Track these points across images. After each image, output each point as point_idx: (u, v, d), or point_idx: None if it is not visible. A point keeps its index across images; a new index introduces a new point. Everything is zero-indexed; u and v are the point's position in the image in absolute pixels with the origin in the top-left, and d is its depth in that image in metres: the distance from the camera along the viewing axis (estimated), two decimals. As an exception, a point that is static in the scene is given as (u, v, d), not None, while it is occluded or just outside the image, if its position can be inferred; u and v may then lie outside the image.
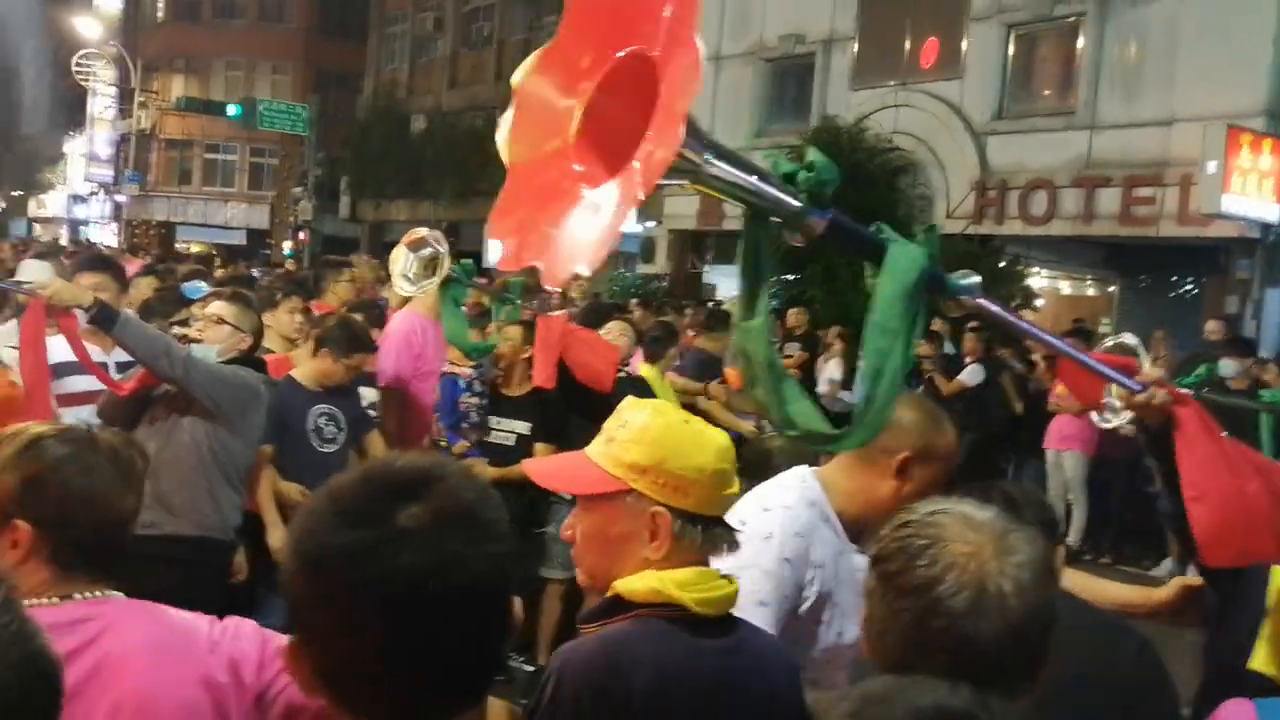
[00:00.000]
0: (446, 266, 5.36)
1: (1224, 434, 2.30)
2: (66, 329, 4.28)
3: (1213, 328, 10.93)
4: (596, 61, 1.77)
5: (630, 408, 2.00)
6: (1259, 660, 2.64)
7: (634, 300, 18.01)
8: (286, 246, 34.57)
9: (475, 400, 6.12)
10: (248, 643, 1.85)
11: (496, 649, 1.28)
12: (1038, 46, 16.67)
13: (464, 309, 5.73)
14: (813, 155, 1.80)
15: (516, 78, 1.82)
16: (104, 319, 4.02)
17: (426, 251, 5.40)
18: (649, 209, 22.52)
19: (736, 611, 2.00)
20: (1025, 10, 16.34)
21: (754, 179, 1.78)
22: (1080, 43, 15.73)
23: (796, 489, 2.59)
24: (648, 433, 1.93)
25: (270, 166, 40.78)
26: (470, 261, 5.71)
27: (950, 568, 1.35)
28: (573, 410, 5.49)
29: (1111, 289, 17.55)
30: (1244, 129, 13.09)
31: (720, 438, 1.96)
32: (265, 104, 34.44)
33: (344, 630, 1.20)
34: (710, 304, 16.50)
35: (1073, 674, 1.73)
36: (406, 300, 5.74)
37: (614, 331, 6.98)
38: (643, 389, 6.54)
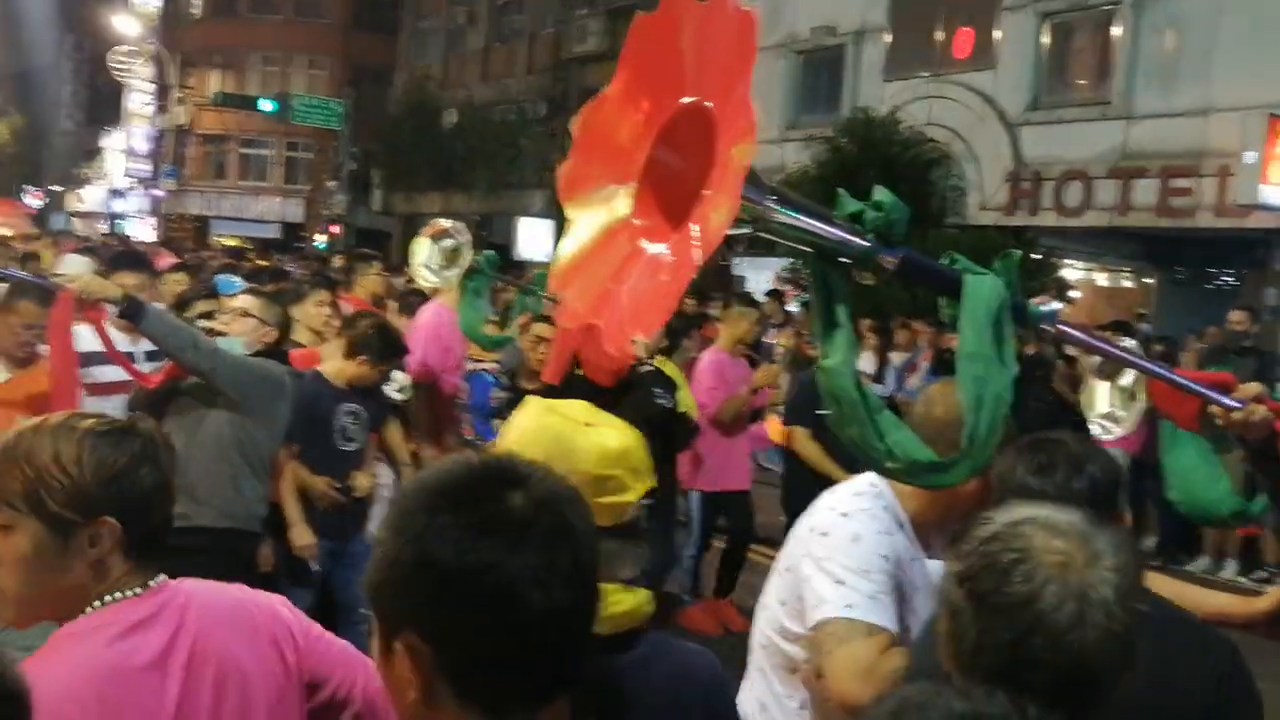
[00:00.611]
0: (468, 258, 5.35)
1: None
2: (94, 321, 4.33)
3: (1237, 318, 10.73)
4: (655, 110, 1.76)
5: (521, 408, 1.89)
6: None
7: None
8: (320, 240, 34.77)
9: (506, 395, 6.11)
10: (282, 624, 1.93)
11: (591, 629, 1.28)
12: (1072, 36, 16.48)
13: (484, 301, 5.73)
14: (880, 195, 1.78)
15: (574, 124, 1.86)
16: (132, 313, 4.06)
17: (449, 243, 5.41)
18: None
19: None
20: (1059, -1, 16.17)
21: (818, 223, 1.77)
22: (1116, 31, 15.54)
23: (869, 494, 2.56)
24: (525, 435, 1.82)
25: (305, 160, 41.01)
26: (494, 253, 5.70)
27: (1048, 581, 1.32)
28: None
29: (1149, 281, 17.34)
30: (1283, 118, 12.88)
31: (610, 441, 1.79)
32: (300, 99, 34.64)
33: (472, 624, 1.18)
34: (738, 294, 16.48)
35: (1149, 682, 1.71)
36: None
37: (639, 326, 6.99)
38: (664, 382, 6.54)
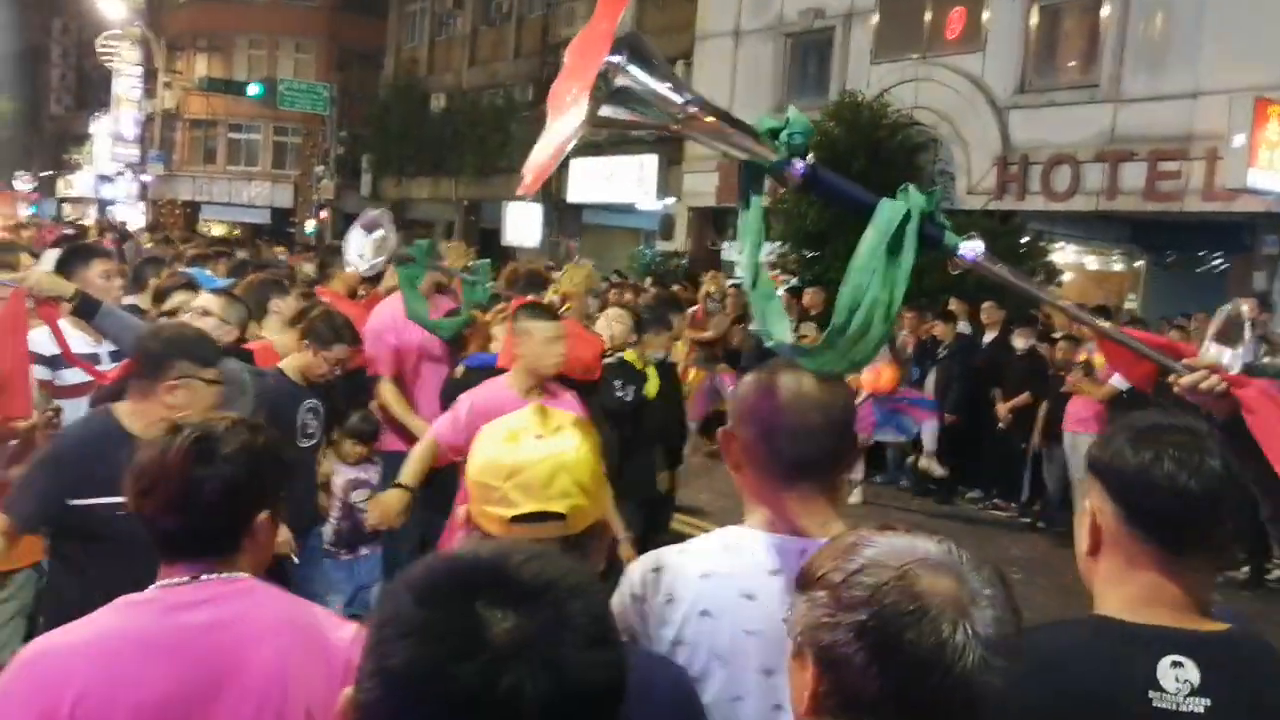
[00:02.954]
0: (390, 247, 5.35)
1: None
2: (47, 318, 4.25)
3: (1247, 307, 10.69)
4: (610, 20, 1.92)
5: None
6: None
7: (649, 279, 18.02)
8: (310, 225, 34.68)
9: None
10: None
11: None
12: (1061, 18, 16.38)
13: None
14: (790, 112, 1.97)
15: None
16: (85, 309, 4.07)
17: (378, 233, 5.39)
18: (669, 185, 22.43)
19: None
20: (1049, -19, 16.08)
21: (734, 130, 1.96)
22: (1104, 14, 15.44)
23: None
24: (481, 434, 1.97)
25: (294, 145, 40.83)
26: (427, 242, 5.67)
27: (954, 627, 1.27)
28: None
29: (1138, 265, 17.32)
30: (1272, 101, 12.81)
31: (502, 450, 1.86)
32: (286, 83, 34.54)
33: None
34: (732, 281, 16.43)
35: None
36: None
37: (609, 316, 6.93)
38: (626, 374, 6.51)
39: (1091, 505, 1.89)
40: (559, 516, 1.81)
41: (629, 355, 6.61)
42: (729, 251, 21.91)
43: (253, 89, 34.44)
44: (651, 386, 6.72)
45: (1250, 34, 13.31)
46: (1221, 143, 13.12)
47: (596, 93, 1.80)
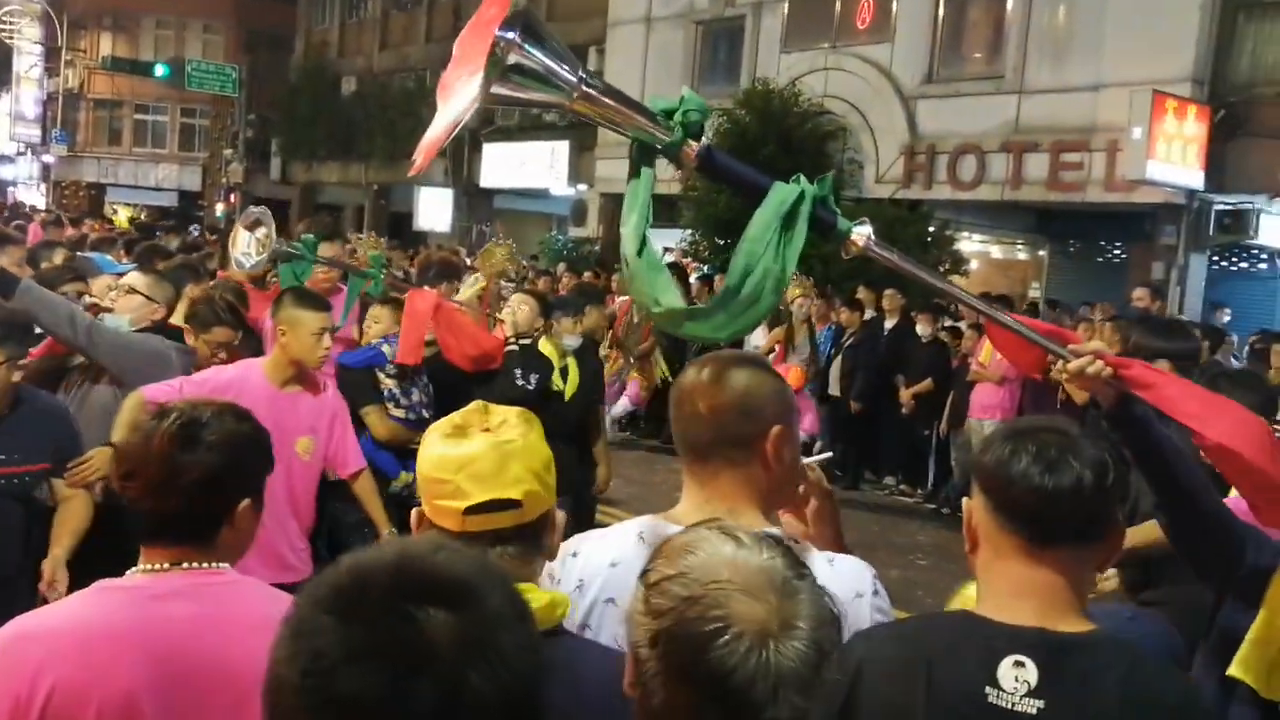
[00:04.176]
0: (270, 244, 5.23)
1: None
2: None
3: (1139, 294, 10.92)
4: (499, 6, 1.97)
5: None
6: (1238, 666, 2.57)
7: (561, 265, 17.93)
8: (219, 209, 34.09)
9: (393, 381, 5.82)
10: None
11: None
12: (967, 10, 16.56)
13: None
14: (684, 91, 2.06)
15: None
16: (3, 287, 4.03)
17: (262, 231, 5.26)
18: (581, 172, 22.31)
19: None
20: (956, -28, 16.23)
21: (629, 110, 2.02)
22: (1010, 6, 15.66)
23: None
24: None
25: (202, 127, 40.00)
26: (311, 237, 5.51)
27: (748, 654, 1.24)
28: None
29: (1041, 253, 17.60)
30: (1169, 95, 13.08)
31: (450, 445, 1.86)
32: (194, 64, 33.88)
33: None
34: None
35: None
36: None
37: (513, 303, 6.80)
38: (531, 363, 6.41)
39: (969, 503, 1.93)
40: (514, 504, 1.82)
41: (545, 347, 6.51)
42: (643, 239, 21.90)
43: (159, 70, 33.82)
44: (571, 383, 6.62)
45: (1150, 29, 13.57)
46: (1122, 135, 13.36)
47: (489, 70, 1.81)
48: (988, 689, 1.76)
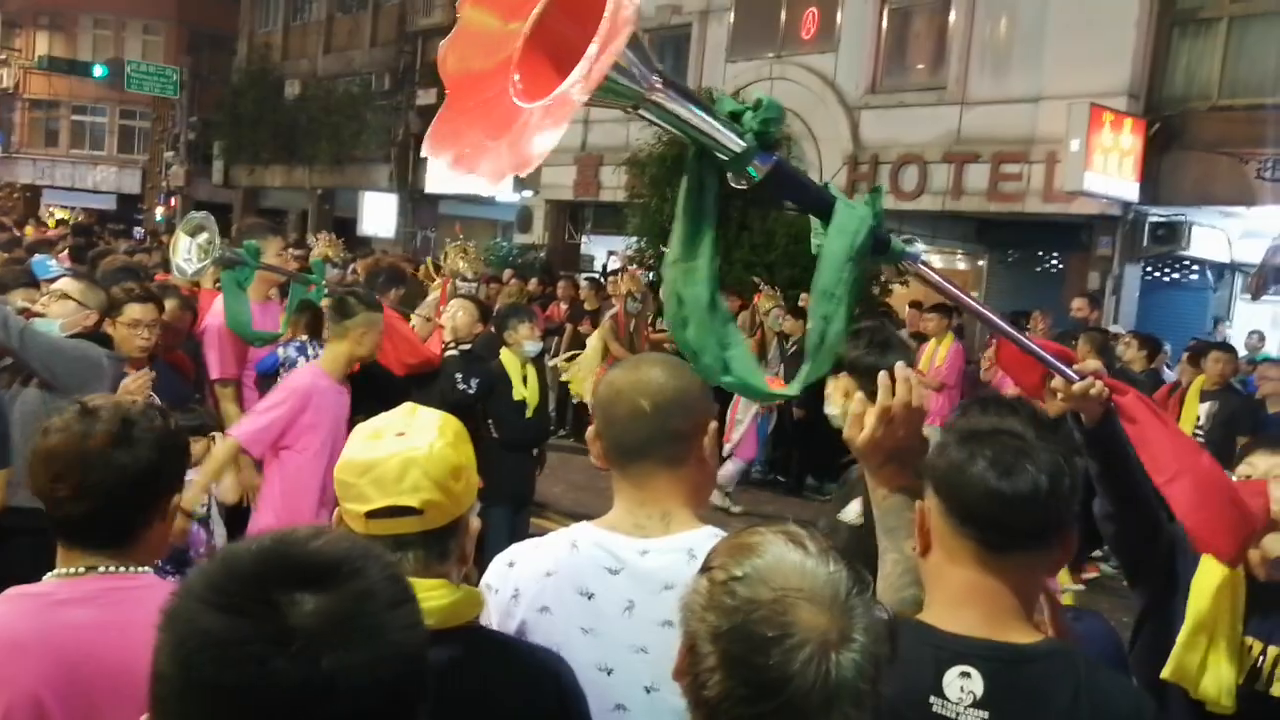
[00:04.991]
0: (215, 250, 5.17)
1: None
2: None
3: (1079, 304, 11.10)
4: None
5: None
6: (1170, 669, 2.65)
7: (508, 271, 17.88)
8: (159, 212, 33.62)
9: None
10: None
11: None
12: (911, 21, 16.73)
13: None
14: (760, 95, 1.81)
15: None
16: None
17: (204, 237, 5.20)
18: (526, 178, 22.26)
19: None
20: (899, -16, 16.40)
21: (700, 112, 1.74)
22: (952, 19, 15.82)
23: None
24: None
25: (142, 129, 39.42)
26: (254, 243, 5.45)
27: (807, 663, 1.28)
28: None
29: (981, 263, 17.81)
30: (1106, 108, 13.29)
31: (362, 447, 1.88)
32: (134, 65, 33.41)
33: None
34: (586, 275, 16.40)
35: None
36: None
37: (453, 308, 6.80)
38: (472, 368, 6.41)
39: (921, 505, 1.92)
40: (414, 511, 1.82)
41: (506, 361, 6.58)
42: (589, 245, 21.88)
43: (98, 70, 33.29)
44: (532, 390, 6.65)
45: (1088, 43, 13.80)
46: (1060, 146, 13.54)
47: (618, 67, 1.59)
48: (932, 699, 1.76)
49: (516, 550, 2.19)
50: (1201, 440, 8.22)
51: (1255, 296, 14.05)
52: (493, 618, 2.11)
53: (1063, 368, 2.27)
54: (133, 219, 34.05)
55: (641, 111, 1.72)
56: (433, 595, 1.78)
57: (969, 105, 15.41)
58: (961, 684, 1.76)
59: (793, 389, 1.95)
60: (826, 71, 17.02)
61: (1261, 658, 2.62)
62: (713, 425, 2.12)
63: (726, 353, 1.82)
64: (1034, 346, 2.30)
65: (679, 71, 19.40)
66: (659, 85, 1.69)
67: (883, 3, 16.60)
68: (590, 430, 2.15)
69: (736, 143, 1.74)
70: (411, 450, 1.83)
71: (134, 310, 4.83)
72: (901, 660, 1.75)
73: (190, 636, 1.03)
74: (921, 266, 2.03)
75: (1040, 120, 14.34)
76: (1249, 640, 2.64)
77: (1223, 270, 15.83)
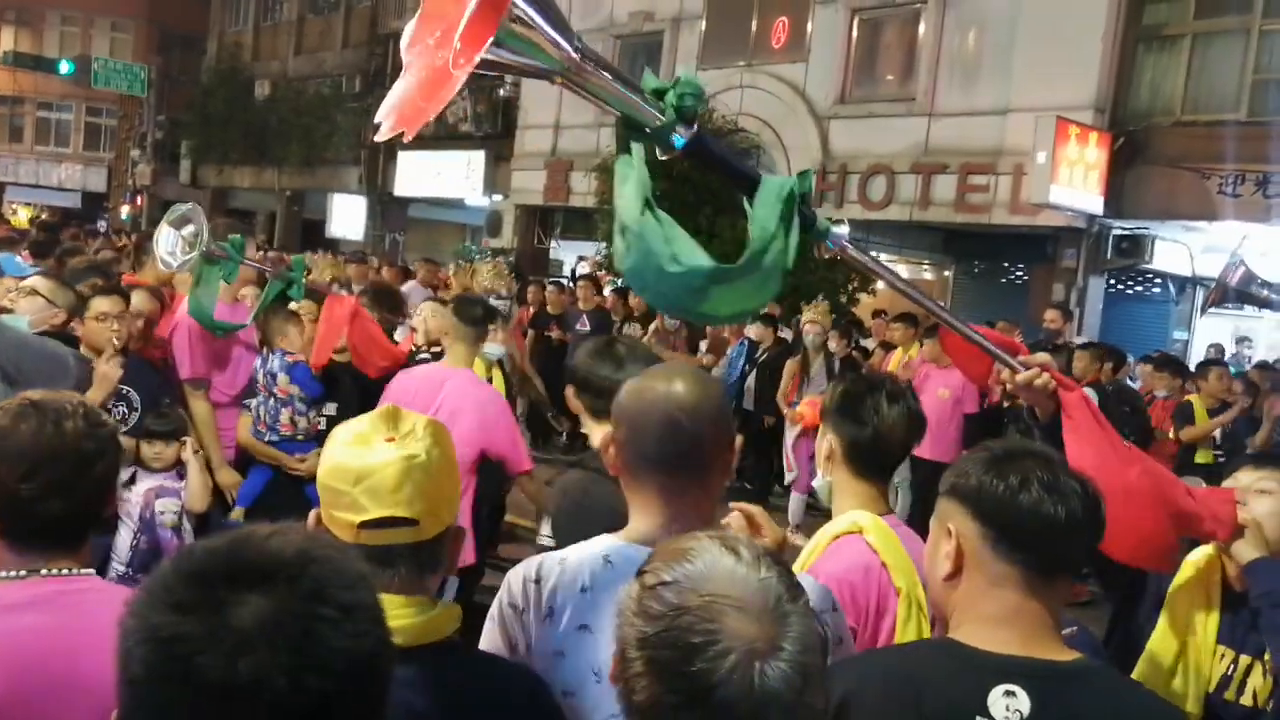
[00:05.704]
0: (204, 243, 5.11)
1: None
2: None
3: (1051, 316, 11.18)
4: None
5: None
6: (1139, 672, 2.69)
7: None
8: (124, 210, 33.33)
9: (297, 388, 5.70)
10: None
11: None
12: (881, 32, 16.84)
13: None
14: (680, 73, 1.99)
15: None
16: None
17: (189, 229, 5.14)
18: (497, 182, 22.25)
19: None
20: (870, -5, 16.51)
21: (621, 86, 1.88)
22: (921, 30, 15.94)
23: None
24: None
25: (108, 127, 39.06)
26: (240, 237, 5.39)
27: (733, 670, 1.25)
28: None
29: (947, 273, 17.95)
30: (1073, 122, 13.43)
31: (351, 453, 1.80)
32: (101, 62, 33.18)
33: None
34: (554, 279, 16.37)
35: None
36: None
37: (423, 311, 6.79)
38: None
39: (956, 529, 1.88)
40: (410, 522, 1.76)
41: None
42: (558, 250, 21.87)
43: (64, 66, 32.94)
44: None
45: (1055, 57, 13.96)
46: (1027, 159, 13.67)
47: (500, 34, 1.70)
48: (978, 718, 1.74)
49: (540, 566, 2.08)
50: (1221, 457, 8.29)
51: (1203, 310, 14.22)
52: (519, 634, 2.05)
53: (1006, 358, 2.31)
54: (98, 217, 33.67)
55: (567, 78, 1.83)
56: (404, 614, 1.74)
57: (937, 117, 15.54)
58: (1007, 702, 1.75)
59: (720, 302, 2.00)
60: (797, 81, 17.11)
61: (1232, 666, 2.64)
62: (740, 438, 2.10)
63: (672, 247, 1.93)
64: (979, 338, 2.33)
65: (651, 78, 19.45)
66: (576, 57, 1.80)
67: (853, 14, 16.71)
68: (604, 437, 2.10)
69: (657, 116, 1.88)
70: (409, 459, 1.77)
71: (100, 303, 4.78)
72: (943, 683, 1.80)
73: (135, 632, 1.04)
74: (847, 247, 2.10)
75: (1007, 132, 14.48)
76: (1220, 649, 2.66)
77: (1184, 284, 16.04)
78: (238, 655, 1.01)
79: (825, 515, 2.83)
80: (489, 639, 2.09)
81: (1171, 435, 8.93)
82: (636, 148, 1.94)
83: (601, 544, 2.06)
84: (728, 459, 2.06)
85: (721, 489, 2.09)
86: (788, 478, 10.05)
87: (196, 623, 1.02)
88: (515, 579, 2.08)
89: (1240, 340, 16.58)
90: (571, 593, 2.00)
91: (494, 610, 2.10)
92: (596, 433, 3.04)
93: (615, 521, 2.52)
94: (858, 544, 2.61)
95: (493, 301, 7.89)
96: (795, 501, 9.94)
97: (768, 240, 1.93)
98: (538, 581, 2.05)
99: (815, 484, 2.96)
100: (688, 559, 1.33)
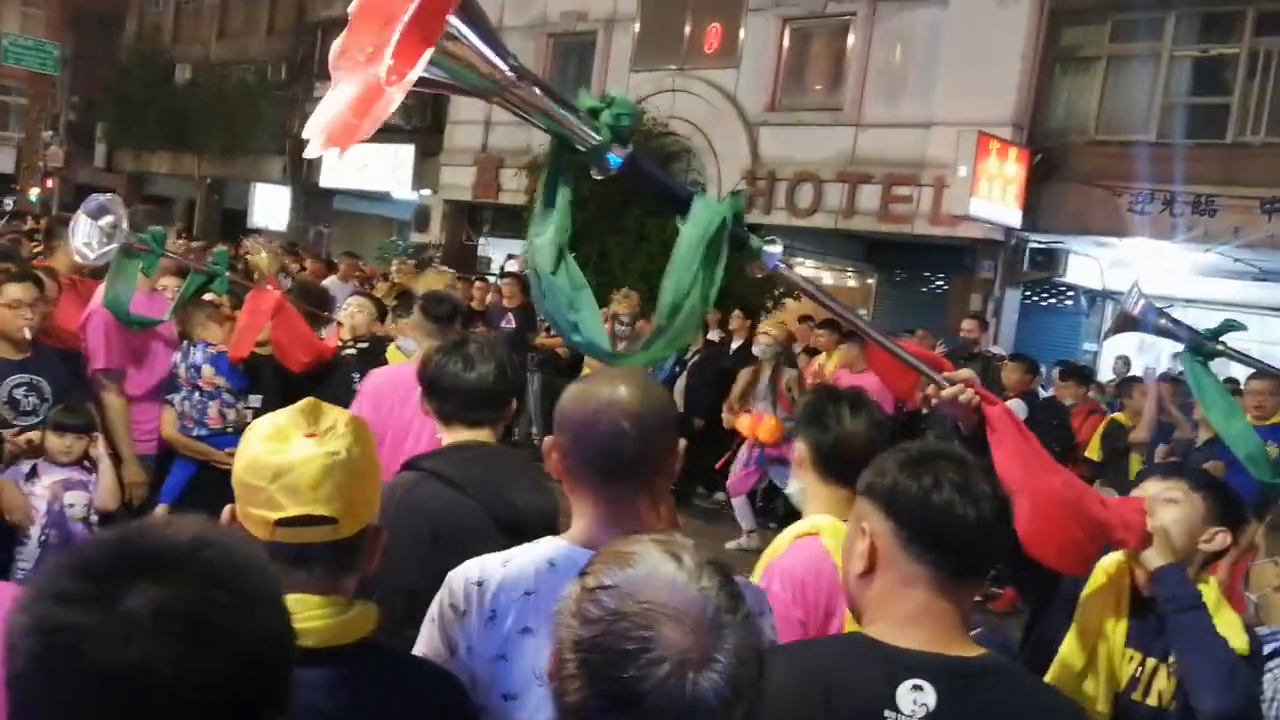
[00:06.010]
0: (120, 234, 5.04)
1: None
2: None
3: (969, 326, 11.45)
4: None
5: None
6: (1053, 674, 2.77)
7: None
8: (34, 192, 32.42)
9: (223, 380, 5.67)
10: None
11: None
12: (811, 42, 17.09)
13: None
14: (614, 93, 1.93)
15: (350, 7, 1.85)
16: None
17: (107, 220, 5.06)
18: (425, 177, 22.12)
19: None
20: (800, 5, 16.75)
21: (556, 106, 1.86)
22: (850, 42, 16.24)
23: None
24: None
25: (18, 106, 37.91)
26: (161, 229, 5.29)
27: (664, 679, 1.25)
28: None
29: (870, 281, 18.25)
30: (993, 137, 13.82)
31: (268, 449, 1.75)
32: (10, 38, 32.12)
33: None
34: (485, 276, 16.38)
35: None
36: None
37: (351, 305, 6.82)
38: (371, 364, 6.41)
39: (870, 529, 1.92)
40: (329, 520, 1.72)
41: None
42: (486, 248, 21.81)
43: (-32, 42, 31.88)
44: None
45: (977, 73, 14.34)
46: (949, 172, 14.04)
47: (434, 56, 1.66)
48: (886, 712, 1.78)
49: (481, 568, 2.04)
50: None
51: (1105, 336, 14.55)
52: (455, 638, 2.02)
53: (933, 374, 2.39)
54: (5, 197, 32.69)
55: (498, 101, 1.83)
56: (319, 614, 1.70)
57: (863, 127, 15.84)
58: (914, 696, 1.78)
59: (636, 359, 2.07)
60: (728, 87, 17.31)
61: (1140, 669, 2.73)
62: (683, 441, 2.10)
63: (576, 315, 1.95)
64: (905, 354, 2.40)
65: (582, 78, 19.50)
66: (513, 76, 1.80)
67: (784, 22, 16.96)
68: (549, 441, 2.06)
69: (593, 136, 1.89)
70: (329, 456, 1.73)
71: (13, 290, 4.62)
72: (851, 676, 1.84)
73: (20, 627, 1.04)
74: (781, 267, 2.11)
75: (930, 145, 14.82)
76: (1129, 651, 2.76)
77: (1095, 297, 16.53)
78: (125, 642, 1.00)
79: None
80: (427, 641, 2.06)
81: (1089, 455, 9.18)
82: (563, 190, 1.96)
83: (545, 546, 2.05)
84: (672, 462, 2.06)
85: (666, 490, 2.10)
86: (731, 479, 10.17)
87: (84, 612, 1.01)
88: (457, 580, 2.05)
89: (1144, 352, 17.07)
90: (514, 595, 1.98)
91: (433, 611, 2.07)
92: (446, 437, 3.08)
93: (436, 525, 2.64)
94: (815, 545, 2.76)
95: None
96: (739, 505, 10.13)
97: (681, 296, 1.94)
98: (480, 583, 2.01)
99: (788, 489, 3.12)
100: (629, 564, 1.33)
